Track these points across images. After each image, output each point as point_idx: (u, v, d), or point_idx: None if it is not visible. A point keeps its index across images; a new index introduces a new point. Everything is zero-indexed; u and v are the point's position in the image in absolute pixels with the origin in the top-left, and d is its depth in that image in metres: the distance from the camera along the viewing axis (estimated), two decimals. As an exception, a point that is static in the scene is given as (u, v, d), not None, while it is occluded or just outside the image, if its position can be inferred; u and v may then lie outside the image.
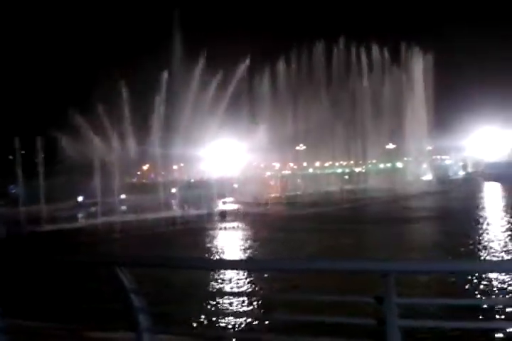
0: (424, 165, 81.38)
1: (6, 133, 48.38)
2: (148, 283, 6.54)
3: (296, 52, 65.60)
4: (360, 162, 78.97)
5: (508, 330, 8.35)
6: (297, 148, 70.91)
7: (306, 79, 66.11)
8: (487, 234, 25.88)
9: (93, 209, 43.70)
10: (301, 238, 28.32)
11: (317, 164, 79.20)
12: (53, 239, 29.84)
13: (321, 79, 67.80)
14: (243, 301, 14.10)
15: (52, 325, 6.18)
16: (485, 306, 10.12)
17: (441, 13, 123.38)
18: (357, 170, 79.15)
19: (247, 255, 24.29)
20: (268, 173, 74.17)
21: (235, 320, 12.45)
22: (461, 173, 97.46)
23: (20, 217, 37.48)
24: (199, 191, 49.77)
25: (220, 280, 17.26)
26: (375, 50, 70.11)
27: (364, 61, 69.79)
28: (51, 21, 79.91)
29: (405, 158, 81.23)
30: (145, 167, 71.52)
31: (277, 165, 76.98)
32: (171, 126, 56.01)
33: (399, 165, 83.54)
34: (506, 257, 19.68)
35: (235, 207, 47.35)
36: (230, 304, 14.01)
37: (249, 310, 13.48)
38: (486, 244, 22.77)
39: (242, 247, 27.04)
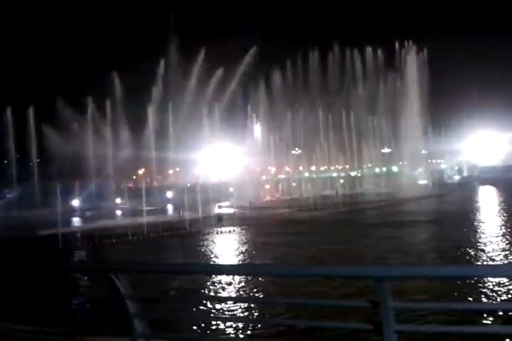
0: (420, 169, 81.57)
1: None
2: (144, 288, 6.55)
3: (291, 57, 65.81)
4: (356, 166, 79.08)
5: (504, 335, 8.38)
6: (293, 152, 70.99)
7: (301, 84, 66.31)
8: (482, 238, 25.92)
9: (89, 213, 43.60)
10: (296, 242, 28.31)
11: (313, 168, 79.29)
12: (48, 243, 29.71)
13: (317, 84, 68.00)
14: (239, 306, 14.07)
15: (47, 330, 6.16)
16: (481, 310, 10.15)
17: (437, 19, 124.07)
18: (353, 174, 79.24)
19: (243, 259, 24.25)
20: (264, 177, 74.13)
21: (230, 324, 12.42)
22: (457, 177, 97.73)
23: (16, 221, 37.34)
24: (195, 195, 49.74)
25: (215, 285, 17.23)
26: (370, 55, 70.39)
27: (359, 66, 70.04)
28: (49, 17, 79.70)
29: (401, 162, 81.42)
30: (141, 171, 71.36)
31: (273, 170, 76.98)
32: (166, 131, 56.10)
33: (394, 169, 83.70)
34: (501, 262, 19.71)
35: (231, 211, 47.31)
36: (226, 309, 13.98)
37: (244, 315, 13.45)
38: (481, 248, 22.81)
39: (238, 251, 27.01)
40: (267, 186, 70.60)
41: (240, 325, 12.31)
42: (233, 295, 16.06)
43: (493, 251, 21.97)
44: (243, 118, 64.73)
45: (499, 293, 14.33)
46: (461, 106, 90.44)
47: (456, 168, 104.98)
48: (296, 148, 70.68)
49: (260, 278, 16.31)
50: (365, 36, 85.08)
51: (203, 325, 11.65)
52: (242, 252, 26.66)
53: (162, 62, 58.76)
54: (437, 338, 8.00)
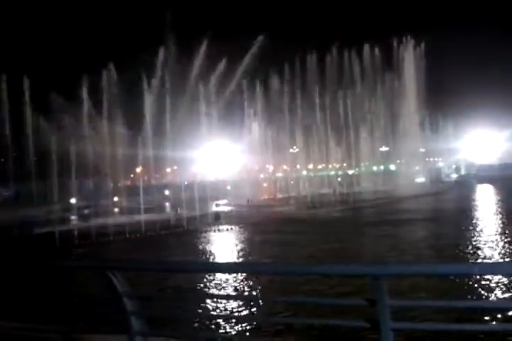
0: (417, 168, 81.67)
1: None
2: (141, 286, 6.54)
3: (288, 56, 65.76)
4: (354, 164, 79.13)
5: (501, 332, 8.40)
6: (291, 150, 71.00)
7: (299, 83, 66.31)
8: (480, 236, 25.99)
9: (86, 211, 43.54)
10: (294, 240, 28.35)
11: (310, 166, 79.29)
12: (46, 241, 29.71)
13: (314, 82, 68.03)
14: (236, 304, 14.09)
15: (44, 327, 6.16)
16: (479, 308, 10.18)
17: (434, 15, 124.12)
18: (350, 172, 79.30)
19: (241, 257, 24.28)
20: (262, 175, 74.15)
21: (228, 322, 12.44)
22: (454, 175, 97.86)
23: (13, 219, 37.27)
24: (192, 193, 49.67)
25: (213, 283, 17.25)
26: (368, 53, 70.42)
27: (357, 64, 70.07)
28: (39, 11, 79.31)
29: (398, 161, 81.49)
30: (138, 169, 71.29)
31: (271, 168, 76.99)
32: (164, 129, 56.04)
33: (392, 167, 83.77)
34: (499, 259, 19.77)
35: (229, 209, 47.33)
36: (223, 307, 14.00)
37: (242, 313, 13.47)
38: (478, 246, 22.88)
39: (236, 249, 27.04)
40: (265, 184, 70.64)
41: (238, 323, 12.32)
42: (231, 293, 16.08)
43: (490, 249, 22.04)
44: (241, 115, 64.77)
45: (498, 290, 14.38)
46: (458, 105, 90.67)
47: (454, 166, 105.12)
48: (294, 147, 70.69)
49: (257, 276, 16.32)
50: (363, 34, 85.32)
51: (200, 322, 11.66)
52: (240, 250, 26.69)
53: (158, 61, 58.72)
54: (436, 336, 8.04)
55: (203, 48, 60.51)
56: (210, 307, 13.79)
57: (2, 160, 46.93)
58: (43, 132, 47.31)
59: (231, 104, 63.72)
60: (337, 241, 26.59)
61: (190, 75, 59.91)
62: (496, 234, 25.97)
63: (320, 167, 78.46)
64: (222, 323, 12.40)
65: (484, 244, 23.13)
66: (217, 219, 40.38)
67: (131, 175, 75.31)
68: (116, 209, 45.95)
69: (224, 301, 14.19)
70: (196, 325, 11.32)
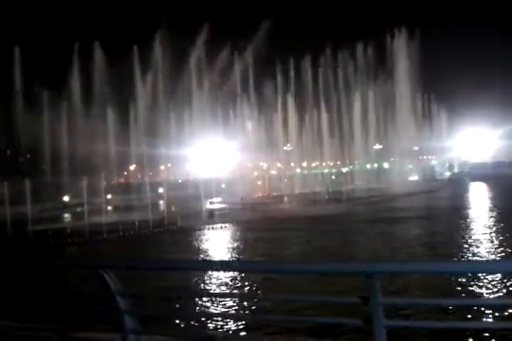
0: (411, 166, 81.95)
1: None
2: (134, 285, 6.53)
3: (282, 54, 65.76)
4: (348, 162, 79.31)
5: (493, 330, 8.45)
6: (284, 148, 71.06)
7: (293, 81, 66.33)
8: (473, 234, 26.12)
9: (79, 209, 43.37)
10: (288, 238, 28.41)
11: (304, 164, 79.40)
12: (39, 239, 29.59)
13: (309, 81, 68.10)
14: (230, 302, 14.10)
15: (37, 326, 6.15)
16: (472, 306, 10.23)
17: (430, 16, 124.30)
18: (344, 170, 79.46)
19: (234, 255, 24.29)
20: (255, 173, 74.18)
21: (221, 320, 12.44)
22: (447, 174, 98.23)
23: (6, 217, 37.11)
24: (186, 191, 49.63)
25: (206, 282, 17.25)
26: (360, 53, 70.49)
27: (351, 63, 70.16)
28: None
29: (392, 159, 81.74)
30: (132, 167, 71.18)
31: (265, 165, 77.04)
32: (158, 127, 55.98)
33: (386, 165, 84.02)
34: (490, 257, 19.87)
35: (223, 206, 47.29)
36: (217, 305, 14.00)
37: (235, 311, 13.49)
38: (471, 243, 22.98)
39: (230, 247, 27.04)
40: (259, 182, 70.66)
41: (232, 321, 12.33)
42: (225, 291, 16.07)
43: (484, 247, 22.14)
44: (235, 113, 64.75)
45: (490, 288, 14.45)
46: (452, 104, 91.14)
47: (447, 164, 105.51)
48: (288, 144, 70.76)
49: (251, 275, 16.33)
50: (356, 33, 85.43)
51: (193, 321, 11.66)
52: (234, 248, 26.69)
53: (154, 58, 58.57)
54: (433, 334, 8.06)
55: (195, 52, 60.49)
56: (204, 306, 13.79)
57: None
58: (34, 130, 47.17)
59: (225, 103, 63.69)
60: (330, 238, 26.66)
61: (184, 75, 59.82)
62: (488, 232, 26.09)
63: (314, 165, 78.61)
64: (216, 321, 12.40)
65: (477, 242, 23.25)
66: (211, 217, 40.33)
67: (125, 173, 75.24)
68: (109, 207, 45.81)
69: (217, 299, 14.19)
70: (189, 323, 11.32)
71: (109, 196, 49.54)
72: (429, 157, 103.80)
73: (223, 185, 61.64)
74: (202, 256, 24.62)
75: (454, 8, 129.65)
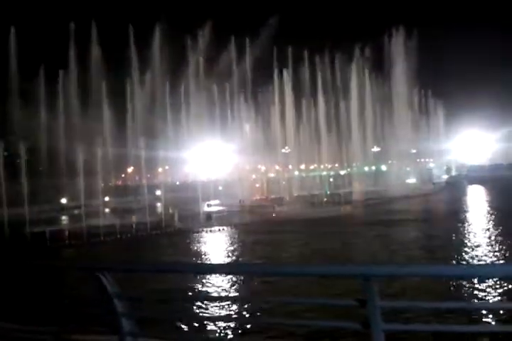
0: (408, 169, 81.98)
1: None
2: (131, 287, 6.51)
3: (280, 56, 65.73)
4: (345, 165, 79.30)
5: (493, 333, 8.42)
6: (283, 150, 71.02)
7: (291, 83, 66.30)
8: (470, 237, 26.12)
9: (76, 211, 43.26)
10: (286, 241, 28.39)
11: (302, 167, 79.35)
12: (36, 241, 29.53)
13: (306, 83, 68.12)
14: (227, 305, 14.07)
15: (35, 328, 6.13)
16: (471, 309, 10.20)
17: (430, 16, 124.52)
18: (342, 172, 79.45)
19: (232, 258, 24.25)
20: (253, 176, 74.10)
21: (219, 324, 12.41)
22: (445, 176, 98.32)
23: (3, 219, 37.04)
24: (184, 193, 49.52)
25: (204, 284, 17.21)
26: (358, 55, 70.59)
27: (347, 65, 70.19)
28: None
29: (390, 161, 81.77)
30: (130, 169, 71.06)
31: (263, 168, 76.99)
32: (156, 129, 55.94)
33: (383, 168, 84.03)
34: (488, 261, 19.86)
35: (221, 209, 47.25)
36: (215, 308, 13.96)
37: (233, 314, 13.45)
38: (470, 246, 22.98)
39: (228, 250, 27.00)
40: (257, 184, 70.57)
41: (227, 323, 12.30)
42: (223, 294, 16.04)
43: (482, 250, 22.14)
44: (233, 115, 64.72)
45: (489, 291, 14.44)
46: (449, 106, 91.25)
47: (445, 167, 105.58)
48: (286, 147, 70.72)
49: (248, 278, 16.29)
50: (353, 35, 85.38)
51: (191, 324, 11.63)
52: (232, 251, 26.66)
53: (151, 58, 58.56)
54: (433, 338, 8.03)
55: (192, 54, 60.48)
56: (201, 308, 13.75)
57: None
58: (32, 131, 47.09)
59: (223, 105, 63.68)
60: (329, 241, 26.62)
61: (182, 76, 59.81)
62: (486, 236, 26.10)
63: (312, 167, 78.61)
64: (214, 324, 12.37)
65: (475, 245, 23.25)
66: (209, 219, 40.30)
67: (123, 175, 75.11)
68: (107, 209, 45.73)
69: (215, 302, 14.16)
70: (186, 326, 11.29)
71: (106, 198, 49.44)
72: (427, 160, 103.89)
73: (221, 188, 61.58)
74: (199, 258, 24.58)
75: (454, 8, 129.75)
